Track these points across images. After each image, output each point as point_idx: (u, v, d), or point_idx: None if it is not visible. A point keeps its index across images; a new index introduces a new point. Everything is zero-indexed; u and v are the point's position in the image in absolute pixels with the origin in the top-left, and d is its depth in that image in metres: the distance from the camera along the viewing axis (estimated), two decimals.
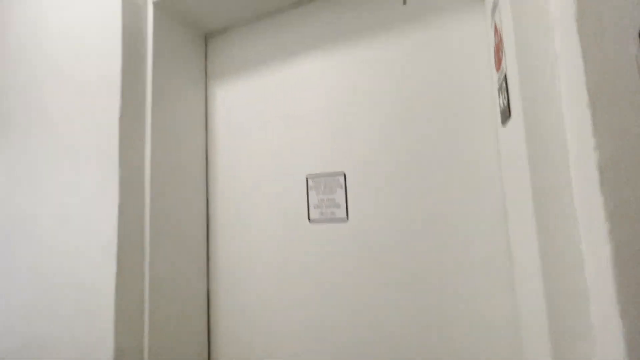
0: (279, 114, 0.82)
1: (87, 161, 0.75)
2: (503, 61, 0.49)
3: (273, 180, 0.80)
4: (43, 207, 0.80)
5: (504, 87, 0.49)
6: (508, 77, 0.47)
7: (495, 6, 0.52)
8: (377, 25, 0.72)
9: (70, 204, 0.76)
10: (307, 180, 0.75)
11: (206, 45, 0.95)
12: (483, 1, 0.62)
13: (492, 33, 0.56)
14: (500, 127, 0.56)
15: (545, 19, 0.39)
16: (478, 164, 0.61)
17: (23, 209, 0.83)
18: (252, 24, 0.88)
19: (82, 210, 0.74)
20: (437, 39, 0.67)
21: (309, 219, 0.74)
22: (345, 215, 0.70)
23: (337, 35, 0.76)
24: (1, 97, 0.92)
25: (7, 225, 0.86)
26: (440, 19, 0.67)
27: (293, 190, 0.77)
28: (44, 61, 0.86)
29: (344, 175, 0.70)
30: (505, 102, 0.48)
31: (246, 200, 0.83)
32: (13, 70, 0.91)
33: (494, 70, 0.58)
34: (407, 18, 0.69)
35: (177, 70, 0.85)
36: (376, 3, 0.73)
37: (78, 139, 0.77)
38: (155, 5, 0.79)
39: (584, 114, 0.31)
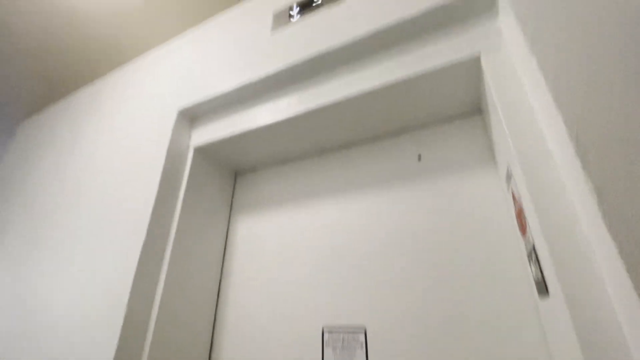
0: (297, 255, 0.81)
1: (103, 269, 0.75)
2: (528, 231, 0.48)
3: (286, 328, 0.73)
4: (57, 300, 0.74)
5: (534, 257, 0.47)
6: (537, 249, 0.46)
7: (509, 176, 0.55)
8: (393, 177, 0.77)
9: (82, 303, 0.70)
10: (322, 332, 0.68)
11: (235, 181, 1.03)
12: (496, 166, 0.67)
13: (510, 197, 0.57)
14: (537, 299, 0.51)
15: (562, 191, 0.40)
16: (517, 333, 0.54)
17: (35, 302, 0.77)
18: (279, 165, 0.97)
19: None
20: (451, 194, 0.69)
21: None
22: None
23: (357, 182, 0.81)
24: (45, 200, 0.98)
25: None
26: (455, 176, 0.71)
27: (306, 343, 0.69)
28: (89, 178, 0.94)
29: (365, 333, 0.63)
30: (539, 276, 0.45)
31: (255, 348, 0.75)
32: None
33: (517, 228, 0.57)
34: (422, 173, 0.74)
35: (205, 202, 0.90)
36: (393, 157, 0.79)
37: (99, 249, 0.78)
38: (195, 149, 0.90)
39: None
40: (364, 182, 0.80)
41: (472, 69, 0.61)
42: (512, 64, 0.54)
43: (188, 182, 0.85)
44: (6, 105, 1.40)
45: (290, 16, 0.80)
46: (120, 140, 0.97)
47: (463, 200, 0.67)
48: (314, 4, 0.77)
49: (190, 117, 0.92)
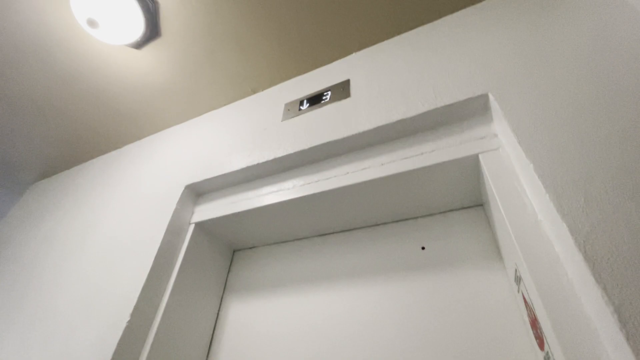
0: (289, 344, 0.73)
1: (80, 348, 0.66)
2: (546, 347, 0.44)
3: None
4: None
5: None
6: None
7: (518, 279, 0.52)
8: (396, 265, 0.74)
9: None
10: None
11: (232, 257, 1.00)
12: (502, 261, 0.65)
13: (521, 300, 0.54)
14: None
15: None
16: None
17: None
18: (279, 244, 0.95)
19: None
20: (456, 288, 0.66)
21: None
22: None
23: (357, 268, 0.78)
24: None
25: None
26: (459, 269, 0.68)
27: None
28: (85, 247, 0.91)
29: None
30: None
31: None
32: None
33: (532, 337, 0.52)
34: (425, 263, 0.72)
35: (200, 279, 0.85)
36: (396, 245, 0.78)
37: (80, 326, 0.70)
38: (196, 224, 0.89)
39: None
40: (364, 269, 0.77)
41: (471, 166, 0.63)
42: (512, 165, 0.56)
43: (184, 257, 0.82)
44: (20, 165, 1.44)
45: (300, 108, 0.88)
46: (123, 211, 0.97)
47: (468, 296, 0.63)
48: (322, 100, 0.85)
49: (196, 192, 0.93)
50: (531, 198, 0.51)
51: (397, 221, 0.81)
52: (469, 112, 0.65)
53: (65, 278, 0.90)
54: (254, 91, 1.06)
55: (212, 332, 0.86)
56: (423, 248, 0.74)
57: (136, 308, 0.70)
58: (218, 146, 0.96)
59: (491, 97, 0.61)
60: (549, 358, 0.44)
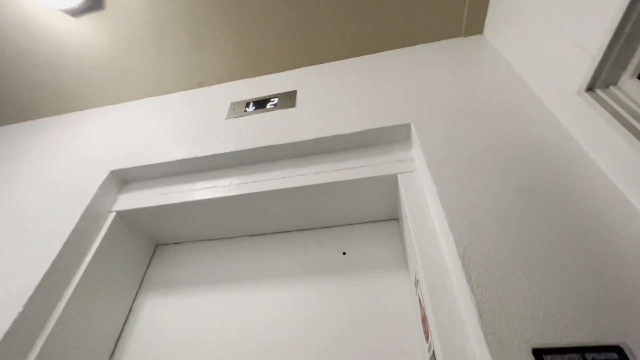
0: (201, 341, 0.73)
1: None
2: (430, 338, 0.53)
3: None
4: None
5: None
6: (436, 356, 0.50)
7: (417, 282, 0.62)
8: (318, 268, 0.80)
9: None
10: None
11: (154, 252, 0.96)
12: (407, 269, 0.75)
13: (417, 302, 0.63)
14: None
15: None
16: None
17: None
18: (205, 241, 0.94)
19: None
20: (370, 288, 0.74)
21: None
22: None
23: (280, 269, 0.82)
24: None
25: None
26: (374, 273, 0.76)
27: None
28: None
29: None
30: None
31: None
32: None
33: (422, 334, 0.62)
34: (345, 268, 0.79)
35: (114, 270, 0.80)
36: (320, 248, 0.84)
37: None
38: (117, 213, 0.83)
39: None
40: (289, 270, 0.81)
41: (391, 183, 0.72)
42: (422, 186, 0.66)
43: (99, 246, 0.77)
44: None
45: (246, 109, 0.90)
46: (36, 188, 0.87)
47: (378, 299, 0.72)
48: (268, 105, 0.89)
49: (122, 179, 0.88)
50: (433, 215, 0.61)
51: (323, 227, 0.87)
52: (394, 137, 0.75)
53: None
54: (201, 85, 1.05)
55: (120, 329, 0.81)
56: (344, 253, 0.82)
57: (32, 297, 0.63)
58: (155, 134, 0.93)
59: (412, 127, 0.71)
60: (430, 348, 0.53)
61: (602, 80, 0.52)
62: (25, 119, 1.16)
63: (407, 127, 0.73)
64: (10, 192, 0.89)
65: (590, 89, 0.54)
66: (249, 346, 0.71)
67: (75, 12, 0.86)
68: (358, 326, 0.69)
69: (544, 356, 0.38)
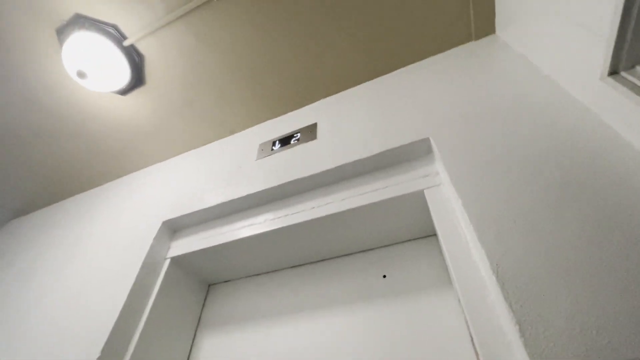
0: None
1: None
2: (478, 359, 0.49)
3: None
4: None
5: None
6: None
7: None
8: (360, 292, 0.80)
9: None
10: None
11: (207, 292, 1.03)
12: (453, 289, 0.71)
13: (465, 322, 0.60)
14: None
15: None
16: None
17: None
18: (252, 277, 0.99)
19: None
20: (414, 311, 0.71)
21: None
22: None
23: (323, 297, 0.83)
24: None
25: None
26: (417, 295, 0.74)
27: None
28: (59, 283, 0.91)
29: None
30: None
31: None
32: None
33: (474, 356, 0.58)
34: (387, 291, 0.77)
35: (174, 313, 0.87)
36: (360, 273, 0.83)
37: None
38: (172, 259, 0.92)
39: None
40: (331, 298, 0.82)
41: (419, 200, 0.71)
42: (450, 200, 0.65)
43: (159, 292, 0.85)
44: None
45: (273, 148, 0.96)
46: (100, 247, 1.00)
47: (423, 321, 0.69)
48: (292, 141, 0.94)
49: (173, 228, 0.98)
50: (464, 229, 0.59)
51: (360, 252, 0.87)
52: (414, 153, 0.74)
53: (37, 316, 0.90)
54: (232, 132, 1.15)
55: None
56: (384, 276, 0.80)
57: (107, 343, 0.71)
58: (195, 183, 1.02)
59: (432, 140, 0.71)
60: None
61: (624, 61, 0.48)
62: (92, 187, 1.35)
63: (426, 141, 0.73)
64: (85, 250, 1.03)
65: (614, 72, 0.50)
66: None
67: (124, 91, 1.02)
68: (405, 350, 0.66)
69: None
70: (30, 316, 0.92)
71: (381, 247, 0.86)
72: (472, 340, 0.55)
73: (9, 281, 1.12)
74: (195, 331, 0.94)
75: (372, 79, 1.01)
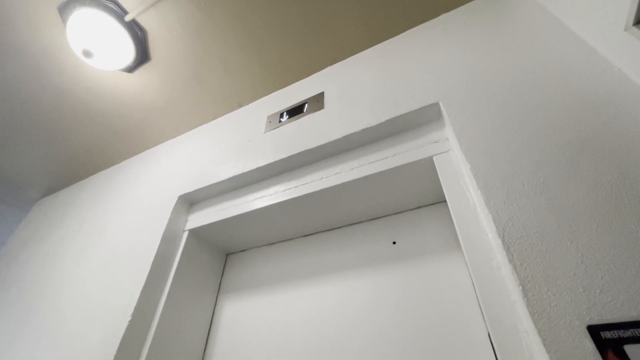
0: (278, 334, 0.81)
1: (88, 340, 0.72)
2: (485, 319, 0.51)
3: None
4: None
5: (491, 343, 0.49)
6: (490, 336, 0.48)
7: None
8: (371, 258, 0.82)
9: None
10: None
11: (225, 261, 1.08)
12: (462, 253, 0.72)
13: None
14: None
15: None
16: None
17: None
18: (267, 246, 1.03)
19: None
20: (424, 276, 0.73)
21: None
22: None
23: (336, 264, 0.86)
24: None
25: None
26: (427, 260, 0.75)
27: None
28: (87, 259, 0.99)
29: None
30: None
31: None
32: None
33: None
34: (397, 256, 0.79)
35: (195, 281, 0.93)
36: (370, 240, 0.85)
37: (84, 330, 0.77)
38: (190, 231, 0.97)
39: None
40: (343, 265, 0.85)
41: (428, 166, 0.71)
42: (459, 165, 0.64)
43: (180, 262, 0.90)
44: (26, 183, 1.53)
45: (280, 120, 0.96)
46: (122, 223, 1.05)
47: (433, 285, 0.71)
48: (300, 112, 0.93)
49: (189, 202, 1.01)
50: (472, 194, 0.58)
51: (370, 220, 0.89)
52: (424, 119, 0.73)
53: (69, 288, 0.98)
54: (240, 105, 1.15)
55: (208, 329, 0.94)
56: (394, 243, 0.82)
57: (137, 308, 0.78)
58: (207, 158, 1.04)
59: (441, 105, 0.69)
60: (487, 325, 0.51)
61: None
62: (110, 165, 1.40)
63: (436, 106, 0.70)
64: (109, 227, 1.09)
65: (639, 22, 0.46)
66: (315, 336, 0.76)
67: (130, 69, 1.02)
68: (415, 313, 0.69)
69: (601, 333, 0.35)
70: (66, 288, 1.00)
71: (391, 214, 0.87)
72: (478, 301, 0.57)
73: (44, 255, 1.21)
74: (217, 297, 1.00)
75: (380, 42, 0.96)
